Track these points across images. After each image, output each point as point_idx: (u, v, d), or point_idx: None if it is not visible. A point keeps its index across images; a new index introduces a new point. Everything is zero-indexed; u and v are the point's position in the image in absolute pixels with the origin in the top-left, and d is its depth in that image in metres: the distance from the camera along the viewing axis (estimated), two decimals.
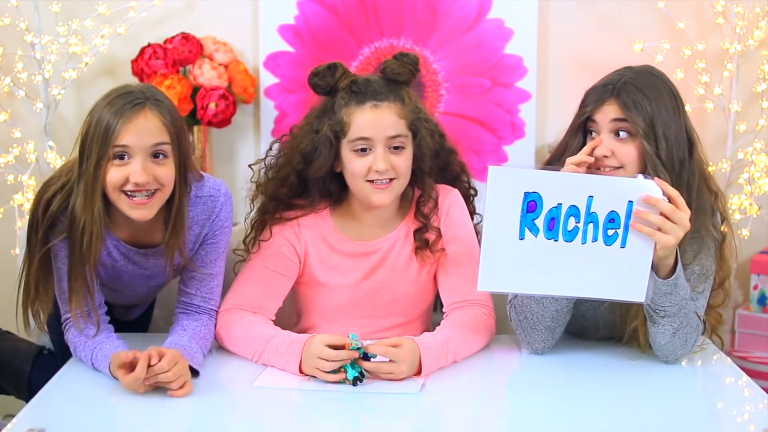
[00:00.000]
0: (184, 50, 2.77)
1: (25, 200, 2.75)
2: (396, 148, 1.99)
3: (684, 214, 1.76)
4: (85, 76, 2.85)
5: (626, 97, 1.87)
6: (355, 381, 1.80)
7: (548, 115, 2.91)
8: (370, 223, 2.08)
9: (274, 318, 2.06)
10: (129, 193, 1.82)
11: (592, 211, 1.74)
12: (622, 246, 1.76)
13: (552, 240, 1.76)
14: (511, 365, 2.01)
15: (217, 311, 2.01)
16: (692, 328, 1.88)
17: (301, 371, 1.85)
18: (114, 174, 1.80)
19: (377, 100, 1.98)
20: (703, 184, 1.95)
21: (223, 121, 2.77)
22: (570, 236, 1.76)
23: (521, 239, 1.76)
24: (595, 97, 1.92)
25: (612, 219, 1.75)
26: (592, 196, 1.74)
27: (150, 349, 1.74)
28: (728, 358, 2.01)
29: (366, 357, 1.81)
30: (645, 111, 1.86)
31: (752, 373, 2.43)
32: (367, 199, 2.01)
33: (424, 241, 2.07)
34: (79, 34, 2.78)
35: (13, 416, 1.69)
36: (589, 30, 2.89)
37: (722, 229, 1.98)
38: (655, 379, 1.87)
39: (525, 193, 1.74)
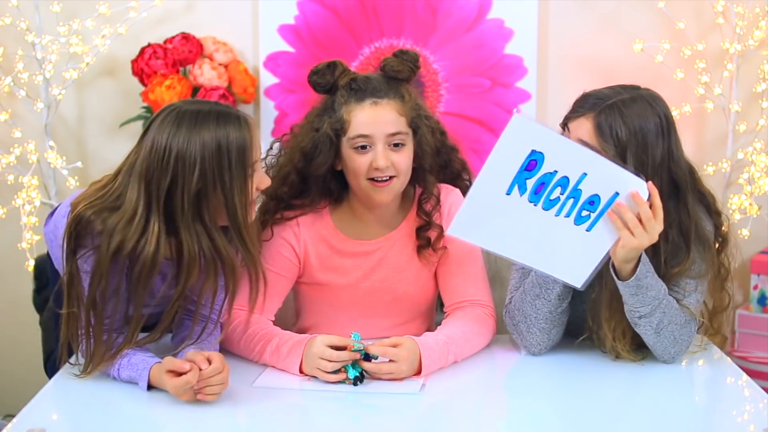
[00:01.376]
0: (184, 50, 2.77)
1: (26, 201, 2.75)
2: (396, 145, 1.99)
3: (657, 226, 1.76)
4: (86, 76, 2.85)
5: (604, 119, 1.83)
6: (356, 381, 1.81)
7: (548, 115, 2.90)
8: (370, 222, 2.09)
9: (273, 318, 2.06)
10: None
11: (579, 187, 1.74)
12: (588, 230, 1.77)
13: (532, 204, 1.76)
14: (511, 365, 2.01)
15: (221, 323, 2.00)
16: (678, 325, 1.87)
17: (301, 372, 1.85)
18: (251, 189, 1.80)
19: (377, 97, 1.98)
20: (705, 216, 1.93)
21: None
22: (549, 205, 1.76)
23: (507, 194, 1.76)
24: (581, 105, 1.89)
25: (591, 201, 1.75)
26: (586, 174, 1.73)
27: (195, 355, 1.71)
28: (728, 358, 2.01)
29: (367, 357, 1.82)
30: (619, 139, 1.82)
31: (752, 373, 2.43)
32: (368, 198, 2.01)
33: (426, 240, 2.07)
34: (79, 34, 2.78)
35: (13, 416, 1.69)
36: (589, 30, 2.89)
37: (723, 258, 1.96)
38: (655, 379, 1.87)
39: (532, 150, 1.72)
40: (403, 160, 2.00)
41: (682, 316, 1.88)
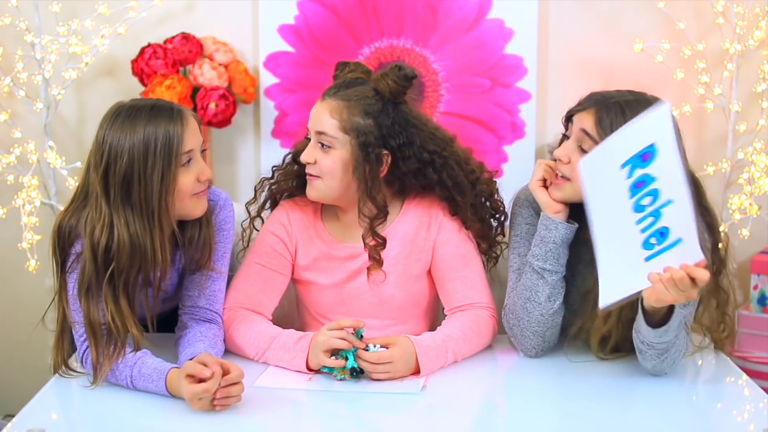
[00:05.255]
0: (184, 50, 2.77)
1: (26, 201, 2.75)
2: (322, 145, 1.99)
3: (694, 291, 1.68)
4: (85, 76, 2.85)
5: (606, 113, 1.84)
6: (353, 372, 1.82)
7: (548, 115, 2.90)
8: (355, 226, 2.08)
9: (271, 318, 2.07)
10: (195, 193, 1.89)
11: (661, 210, 1.67)
12: (646, 260, 1.69)
13: (629, 194, 1.68)
14: (512, 365, 2.01)
15: (222, 318, 2.00)
16: (680, 351, 1.85)
17: (307, 366, 1.87)
18: (187, 178, 1.85)
19: (327, 95, 2.01)
20: (705, 231, 1.89)
21: (223, 121, 2.77)
22: (638, 208, 1.68)
23: (621, 167, 1.68)
24: (585, 101, 1.91)
25: (662, 233, 1.68)
26: (671, 201, 1.66)
27: (212, 364, 1.69)
28: (728, 358, 2.02)
29: (357, 373, 1.84)
30: None
31: (752, 373, 2.43)
32: None
33: (377, 261, 2.05)
34: (79, 34, 2.78)
35: (13, 416, 1.70)
36: (589, 30, 2.89)
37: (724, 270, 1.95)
38: (655, 379, 1.87)
39: (652, 143, 1.64)
40: (326, 162, 1.99)
41: (685, 341, 1.86)
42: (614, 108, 1.85)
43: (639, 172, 1.68)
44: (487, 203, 2.13)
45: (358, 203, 2.02)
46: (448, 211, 2.09)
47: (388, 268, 2.07)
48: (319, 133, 1.98)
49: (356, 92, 1.99)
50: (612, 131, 1.80)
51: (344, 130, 1.98)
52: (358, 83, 2.02)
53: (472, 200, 2.09)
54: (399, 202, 2.11)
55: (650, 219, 1.69)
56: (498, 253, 2.15)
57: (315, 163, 1.99)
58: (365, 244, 2.04)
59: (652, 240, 1.69)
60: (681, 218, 1.67)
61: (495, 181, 2.15)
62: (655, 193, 1.68)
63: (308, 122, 2.02)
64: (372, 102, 1.99)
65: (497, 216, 2.14)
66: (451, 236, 2.08)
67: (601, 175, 1.72)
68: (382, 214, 2.02)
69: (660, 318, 1.77)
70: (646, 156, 1.68)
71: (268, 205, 2.17)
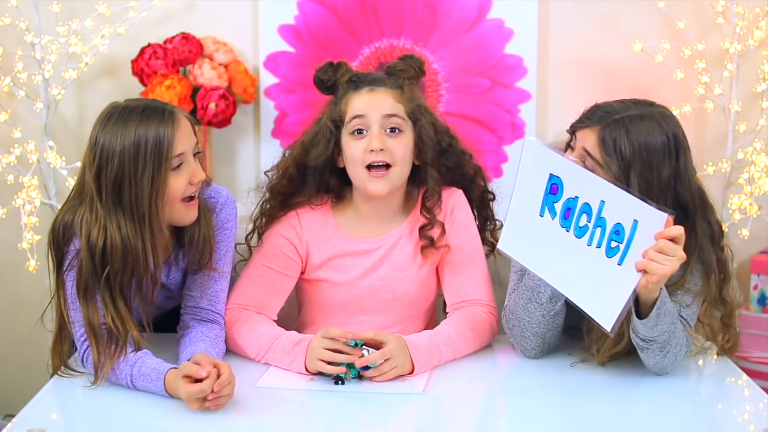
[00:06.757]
0: (184, 50, 2.77)
1: (26, 201, 2.75)
2: (393, 130, 1.99)
3: (678, 249, 1.68)
4: (85, 76, 2.85)
5: (609, 133, 1.81)
6: (360, 376, 1.83)
7: (548, 115, 2.91)
8: (373, 220, 2.09)
9: (276, 318, 2.07)
10: (188, 197, 1.86)
11: (601, 215, 1.70)
12: (619, 263, 1.70)
13: (564, 229, 1.75)
14: (513, 365, 2.01)
15: (224, 318, 2.00)
16: (681, 345, 1.85)
17: (306, 369, 1.86)
18: (178, 182, 1.83)
19: (374, 85, 2.01)
20: (709, 246, 1.89)
21: (223, 121, 2.77)
22: (580, 232, 1.73)
23: (541, 216, 1.77)
24: (588, 116, 1.88)
25: (617, 231, 1.69)
26: (604, 201, 1.70)
27: (206, 365, 1.69)
28: (728, 358, 2.01)
29: (359, 375, 1.84)
30: (622, 155, 1.80)
31: (752, 373, 2.43)
32: (364, 189, 2.01)
33: (429, 239, 2.07)
34: (79, 34, 2.78)
35: (13, 416, 1.70)
36: (589, 30, 2.89)
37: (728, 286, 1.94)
38: (656, 379, 1.87)
39: (550, 174, 1.74)
40: (400, 147, 1.99)
41: (684, 335, 1.86)
42: (618, 126, 1.82)
43: (559, 206, 1.74)
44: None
45: (412, 189, 2.08)
46: (467, 195, 2.12)
47: (405, 264, 2.08)
48: (390, 116, 1.99)
49: (395, 80, 2.05)
50: (615, 151, 1.80)
51: (408, 114, 2.02)
52: (379, 75, 2.07)
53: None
54: (414, 198, 2.12)
55: (598, 230, 1.71)
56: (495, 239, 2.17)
57: (385, 150, 1.98)
58: (425, 225, 2.06)
59: (613, 244, 1.70)
60: (622, 205, 1.69)
61: (480, 167, 2.19)
62: (586, 208, 1.72)
63: (358, 112, 1.99)
64: (411, 87, 2.06)
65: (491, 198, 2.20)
66: (462, 232, 2.09)
67: (534, 238, 1.78)
68: (430, 188, 2.07)
69: (649, 309, 1.76)
70: (553, 189, 1.74)
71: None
